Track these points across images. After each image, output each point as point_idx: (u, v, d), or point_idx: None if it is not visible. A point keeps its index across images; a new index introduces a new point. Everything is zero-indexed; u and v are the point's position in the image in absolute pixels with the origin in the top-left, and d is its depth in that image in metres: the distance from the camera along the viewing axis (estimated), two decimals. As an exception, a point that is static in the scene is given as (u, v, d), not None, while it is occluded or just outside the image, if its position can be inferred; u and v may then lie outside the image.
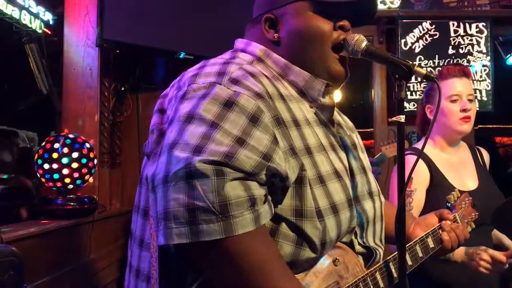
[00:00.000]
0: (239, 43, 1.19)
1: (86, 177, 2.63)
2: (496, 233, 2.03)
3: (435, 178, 1.91)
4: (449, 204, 1.51)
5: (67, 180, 2.55)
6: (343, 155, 1.14)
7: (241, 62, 1.08)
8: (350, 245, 1.12)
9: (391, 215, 1.30)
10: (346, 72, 1.16)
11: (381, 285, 1.13)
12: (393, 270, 1.17)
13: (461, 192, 1.57)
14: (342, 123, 1.26)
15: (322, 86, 1.11)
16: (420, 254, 1.30)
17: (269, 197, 0.94)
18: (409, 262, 1.25)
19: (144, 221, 1.06)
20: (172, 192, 0.86)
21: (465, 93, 1.94)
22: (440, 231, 1.38)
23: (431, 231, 1.36)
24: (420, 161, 1.92)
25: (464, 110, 1.92)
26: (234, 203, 0.85)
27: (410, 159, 1.81)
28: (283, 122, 1.00)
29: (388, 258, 1.18)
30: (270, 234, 0.97)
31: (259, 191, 0.89)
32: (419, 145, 2.07)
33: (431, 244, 1.34)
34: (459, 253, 1.76)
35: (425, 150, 1.95)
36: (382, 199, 1.26)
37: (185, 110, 0.94)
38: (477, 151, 2.12)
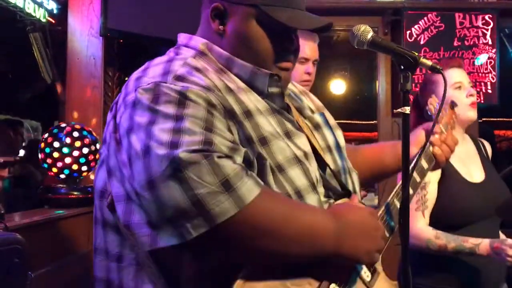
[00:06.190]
0: (182, 38, 1.16)
1: (90, 166, 2.64)
2: None
3: (446, 170, 1.90)
4: (431, 114, 1.50)
5: (71, 170, 2.56)
6: (301, 139, 1.10)
7: (184, 57, 1.07)
8: None
9: (376, 148, 1.45)
10: (287, 79, 1.15)
11: None
12: (393, 213, 1.16)
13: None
14: (303, 105, 1.24)
15: (266, 77, 1.09)
16: (418, 179, 1.30)
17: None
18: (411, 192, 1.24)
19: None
20: (166, 193, 0.84)
21: (465, 81, 1.97)
22: (431, 147, 1.36)
23: (422, 151, 1.28)
24: None
25: (471, 95, 1.93)
26: (232, 176, 0.86)
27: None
28: (235, 114, 1.00)
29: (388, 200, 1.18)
30: None
31: (241, 162, 0.92)
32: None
33: (425, 165, 1.34)
34: (484, 246, 1.75)
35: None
36: (354, 176, 1.24)
37: (143, 116, 0.93)
38: (480, 143, 2.11)
